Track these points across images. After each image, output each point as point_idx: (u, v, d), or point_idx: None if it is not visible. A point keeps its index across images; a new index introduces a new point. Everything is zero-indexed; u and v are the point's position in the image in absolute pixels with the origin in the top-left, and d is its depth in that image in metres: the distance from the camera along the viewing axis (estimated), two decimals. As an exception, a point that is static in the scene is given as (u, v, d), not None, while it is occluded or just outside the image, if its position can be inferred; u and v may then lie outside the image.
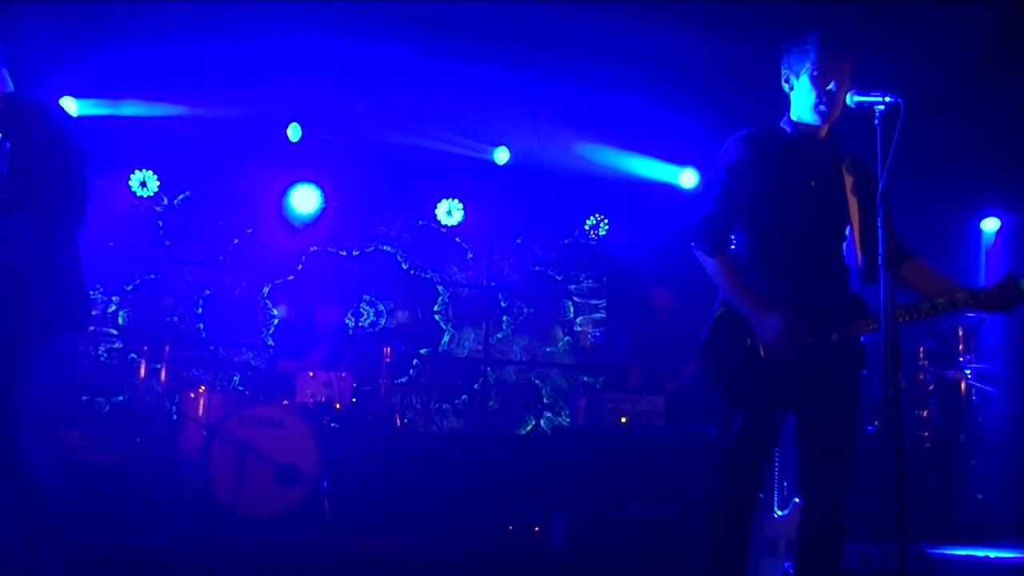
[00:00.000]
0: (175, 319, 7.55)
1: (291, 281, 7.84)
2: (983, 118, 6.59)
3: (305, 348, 6.41)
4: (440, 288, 8.31)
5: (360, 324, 7.77)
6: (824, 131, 2.97)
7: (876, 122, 2.60)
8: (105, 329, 7.37)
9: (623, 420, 5.34)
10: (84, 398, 7.21)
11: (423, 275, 8.27)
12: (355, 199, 8.04)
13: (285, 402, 5.81)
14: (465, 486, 6.08)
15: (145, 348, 6.22)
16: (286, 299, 7.67)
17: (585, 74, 6.51)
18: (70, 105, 6.60)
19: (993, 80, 6.15)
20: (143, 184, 7.34)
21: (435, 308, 8.27)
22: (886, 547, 4.34)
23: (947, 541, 5.55)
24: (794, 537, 3.06)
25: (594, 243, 8.60)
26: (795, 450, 2.97)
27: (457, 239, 8.35)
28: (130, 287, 7.51)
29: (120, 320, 7.44)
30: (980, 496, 6.27)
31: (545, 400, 8.39)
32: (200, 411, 5.75)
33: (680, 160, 7.62)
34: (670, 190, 7.72)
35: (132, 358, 7.23)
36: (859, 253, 2.90)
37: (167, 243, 7.64)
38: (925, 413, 6.37)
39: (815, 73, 2.87)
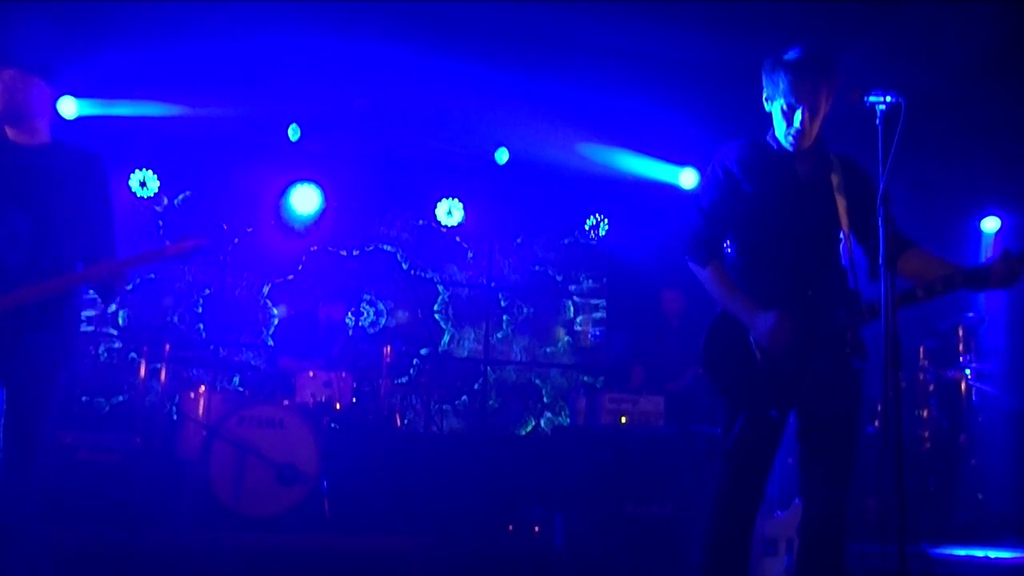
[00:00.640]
0: (175, 319, 7.55)
1: (291, 281, 7.84)
2: (983, 118, 6.59)
3: (305, 348, 6.41)
4: (440, 288, 8.31)
5: (360, 324, 7.77)
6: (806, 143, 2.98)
7: (877, 122, 2.60)
8: (105, 329, 7.37)
9: (623, 420, 5.34)
10: (84, 398, 7.21)
11: (423, 275, 8.27)
12: (355, 199, 8.04)
13: (285, 402, 5.80)
14: (465, 486, 6.07)
15: (145, 348, 6.22)
16: (286, 299, 7.67)
17: (585, 74, 6.51)
18: (70, 105, 6.60)
19: (993, 80, 6.15)
20: (143, 184, 7.34)
21: (435, 308, 8.27)
22: (886, 547, 4.34)
23: (947, 541, 5.55)
24: (794, 537, 3.06)
25: (594, 243, 8.60)
26: (797, 449, 2.97)
27: (457, 239, 8.35)
28: (130, 287, 7.50)
29: (120, 320, 7.44)
30: (980, 496, 6.27)
31: (545, 400, 8.39)
32: (200, 411, 5.75)
33: (680, 160, 7.62)
34: (670, 190, 7.72)
35: (132, 358, 7.23)
36: (860, 252, 2.93)
37: (167, 243, 7.62)
38: (925, 413, 6.37)
39: (784, 106, 2.88)
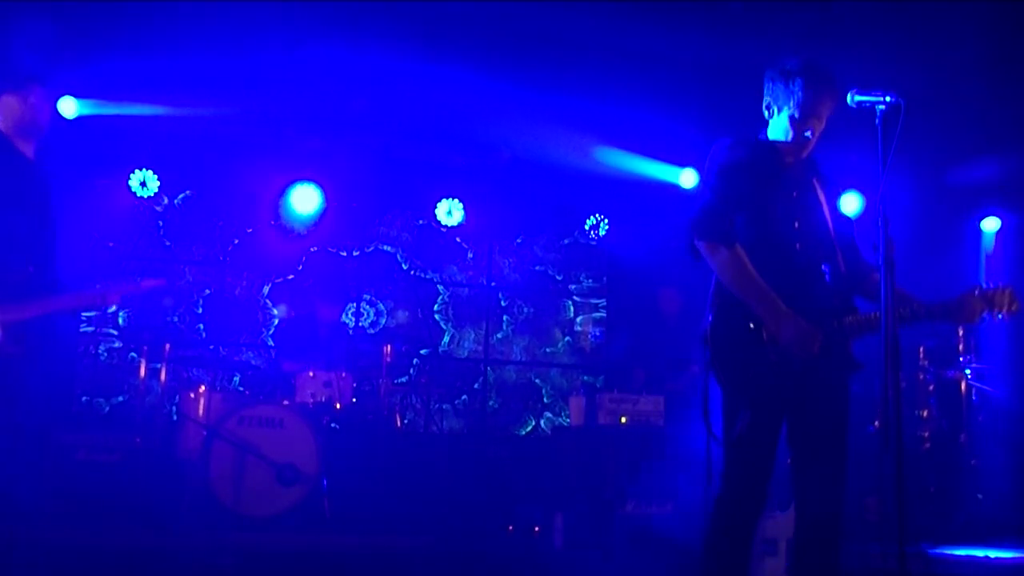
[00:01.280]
0: (175, 319, 7.55)
1: (291, 281, 7.84)
2: (983, 118, 6.59)
3: (305, 348, 6.41)
4: (440, 288, 8.31)
5: (360, 324, 7.77)
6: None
7: (876, 122, 2.60)
8: (105, 329, 7.36)
9: (623, 420, 5.34)
10: (84, 398, 7.21)
11: (423, 275, 8.27)
12: (355, 199, 8.04)
13: (285, 402, 5.81)
14: (465, 486, 6.07)
15: (145, 348, 6.22)
16: (286, 299, 7.67)
17: (586, 75, 6.51)
18: (70, 105, 6.60)
19: (993, 80, 6.15)
20: (143, 184, 7.34)
21: (435, 308, 8.27)
22: (886, 547, 4.34)
23: (947, 541, 5.54)
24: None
25: (594, 243, 8.60)
26: (788, 454, 2.94)
27: (457, 239, 8.35)
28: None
29: (120, 320, 7.43)
30: (980, 496, 6.27)
31: (545, 400, 8.39)
32: (200, 411, 5.75)
33: (680, 160, 7.62)
34: (670, 190, 7.72)
35: (132, 358, 7.23)
36: (838, 262, 2.93)
37: (167, 243, 7.64)
38: (925, 413, 6.37)
39: (796, 116, 2.90)
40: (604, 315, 8.64)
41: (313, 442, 5.49)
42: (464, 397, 8.11)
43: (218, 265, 7.71)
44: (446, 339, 8.24)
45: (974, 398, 6.59)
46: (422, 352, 7.93)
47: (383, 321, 8.04)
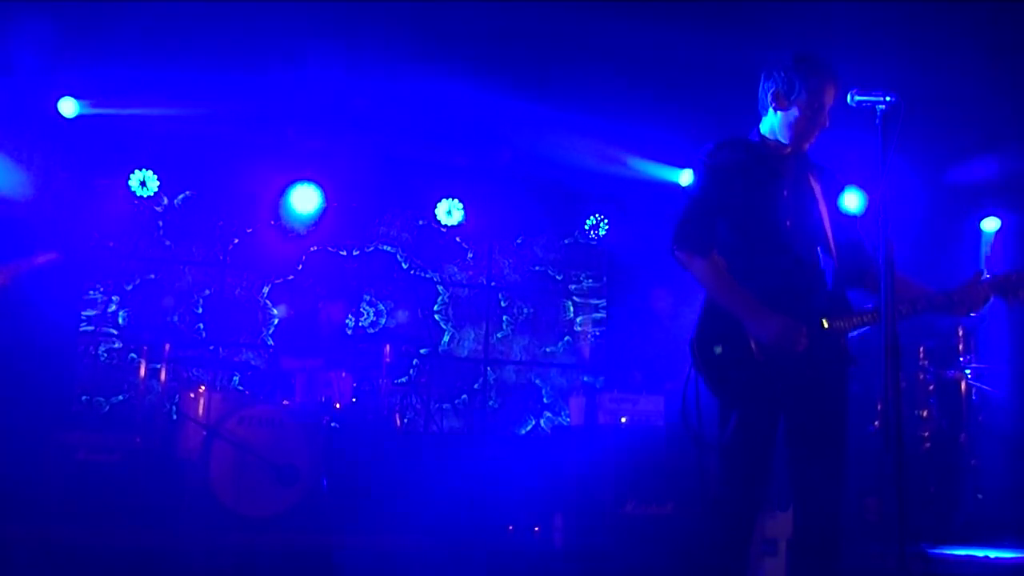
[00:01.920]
0: (175, 319, 7.55)
1: (291, 281, 7.84)
2: (983, 118, 6.58)
3: (305, 348, 6.40)
4: (440, 288, 8.31)
5: (360, 324, 7.77)
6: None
7: (876, 122, 2.60)
8: (105, 329, 7.37)
9: (623, 420, 5.34)
10: (84, 398, 7.21)
11: (423, 275, 8.27)
12: (355, 199, 8.04)
13: (285, 402, 5.80)
14: (465, 486, 6.07)
15: (145, 348, 6.22)
16: (286, 299, 7.67)
17: (586, 75, 6.50)
18: (70, 105, 6.60)
19: (993, 80, 6.15)
20: (143, 184, 7.34)
21: (435, 308, 8.27)
22: (886, 547, 4.34)
23: (947, 541, 5.54)
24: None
25: (594, 243, 8.60)
26: (785, 454, 2.92)
27: (457, 239, 8.35)
28: (130, 287, 7.51)
29: (120, 320, 7.43)
30: (980, 496, 6.27)
31: (545, 400, 8.39)
32: (200, 411, 5.74)
33: (680, 160, 7.62)
34: (670, 190, 7.72)
35: (132, 358, 7.23)
36: (834, 257, 2.92)
37: (167, 243, 7.64)
38: (925, 413, 6.37)
39: (798, 115, 2.90)
40: (604, 315, 8.64)
41: (313, 442, 5.49)
42: (464, 397, 8.11)
43: (218, 265, 7.71)
44: (446, 339, 8.24)
45: (974, 398, 6.59)
46: (422, 352, 7.94)
47: (383, 321, 8.04)
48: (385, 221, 8.21)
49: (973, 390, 6.58)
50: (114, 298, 7.44)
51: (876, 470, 5.55)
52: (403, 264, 8.22)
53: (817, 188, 2.97)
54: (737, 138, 3.04)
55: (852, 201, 7.20)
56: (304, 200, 7.63)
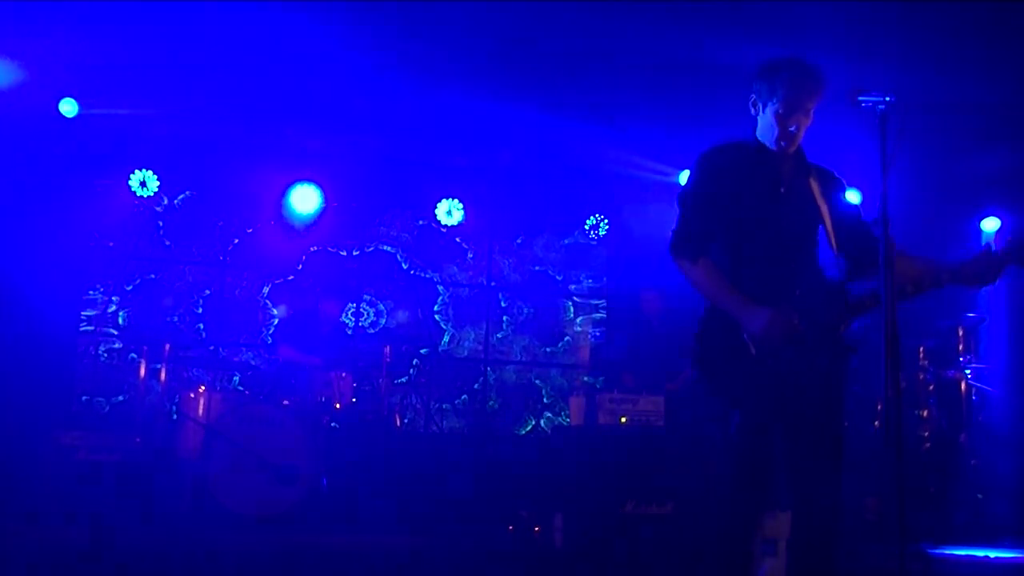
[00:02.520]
0: (175, 319, 7.55)
1: (291, 281, 7.84)
2: (983, 118, 6.59)
3: (305, 348, 6.41)
4: (440, 288, 8.31)
5: (360, 324, 7.77)
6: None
7: (877, 122, 2.61)
8: (105, 329, 7.37)
9: (623, 420, 5.34)
10: (84, 398, 7.21)
11: (423, 275, 8.27)
12: (355, 199, 8.04)
13: (285, 402, 5.81)
14: (465, 486, 6.07)
15: (145, 348, 6.22)
16: (286, 299, 7.67)
17: (586, 75, 6.50)
18: (70, 105, 6.60)
19: (993, 79, 6.15)
20: (143, 184, 7.34)
21: (435, 308, 8.27)
22: (886, 547, 4.34)
23: (947, 541, 5.54)
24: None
25: (594, 243, 8.60)
26: (782, 452, 2.93)
27: (457, 239, 8.35)
28: (130, 287, 7.51)
29: (120, 320, 7.44)
30: (980, 496, 6.27)
31: (545, 400, 8.39)
32: (200, 411, 5.75)
33: (680, 161, 7.62)
34: (670, 190, 7.72)
35: (132, 358, 7.23)
36: (836, 254, 2.94)
37: (167, 243, 7.64)
38: (925, 413, 6.37)
39: (780, 111, 2.92)
40: (604, 315, 8.64)
41: (313, 442, 5.49)
42: (464, 397, 8.11)
43: (218, 265, 7.71)
44: (446, 339, 8.24)
45: (974, 398, 6.59)
46: (422, 352, 7.94)
47: (383, 321, 8.04)
48: (385, 221, 8.22)
49: (973, 390, 6.59)
50: (114, 298, 7.44)
51: (876, 470, 5.55)
52: (403, 264, 8.22)
53: (816, 188, 2.98)
54: (734, 141, 3.06)
55: (852, 201, 7.20)
56: (304, 200, 7.63)
